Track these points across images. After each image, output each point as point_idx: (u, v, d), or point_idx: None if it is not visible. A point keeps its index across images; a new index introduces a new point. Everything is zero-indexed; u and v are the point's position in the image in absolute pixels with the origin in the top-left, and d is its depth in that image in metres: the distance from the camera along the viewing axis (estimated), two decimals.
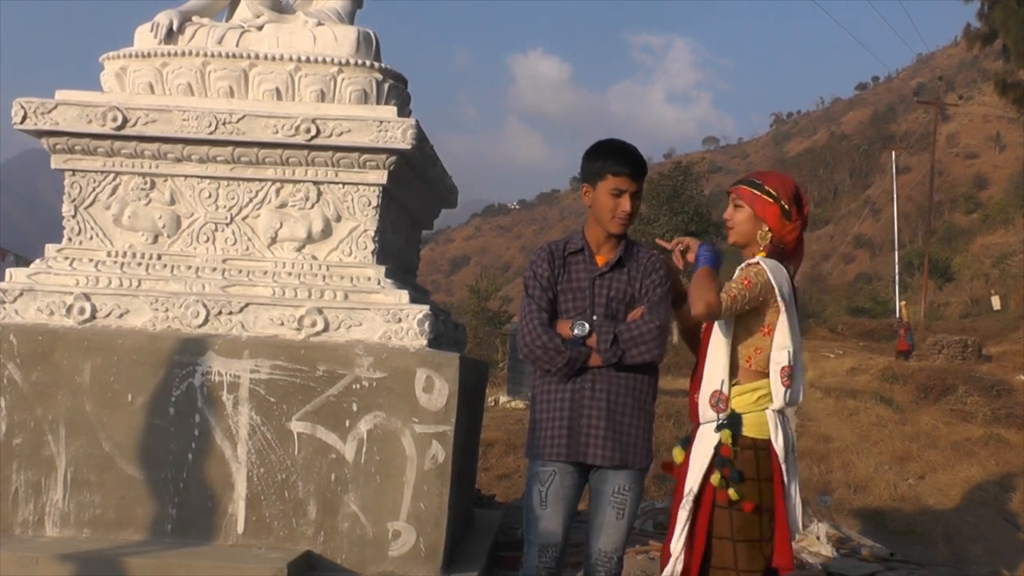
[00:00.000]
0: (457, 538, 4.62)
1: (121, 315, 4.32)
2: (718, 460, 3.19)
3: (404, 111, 4.73)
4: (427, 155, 4.81)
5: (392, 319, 4.26)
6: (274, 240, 4.52)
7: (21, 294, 4.35)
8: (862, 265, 75.98)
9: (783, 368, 3.22)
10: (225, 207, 4.53)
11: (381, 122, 4.35)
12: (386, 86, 4.64)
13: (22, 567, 3.75)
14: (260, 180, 4.51)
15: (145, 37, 4.71)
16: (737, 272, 3.28)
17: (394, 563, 4.07)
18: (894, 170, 47.93)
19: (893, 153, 51.98)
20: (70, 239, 4.55)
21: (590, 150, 3.48)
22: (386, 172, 4.46)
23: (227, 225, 4.53)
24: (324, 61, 4.55)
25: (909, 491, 9.66)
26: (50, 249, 4.54)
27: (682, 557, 3.24)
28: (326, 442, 4.12)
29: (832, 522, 7.09)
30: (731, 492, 3.15)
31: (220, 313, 4.28)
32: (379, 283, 4.40)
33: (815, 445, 11.79)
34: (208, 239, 4.53)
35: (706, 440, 3.24)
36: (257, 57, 4.56)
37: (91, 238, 4.55)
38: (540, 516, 3.36)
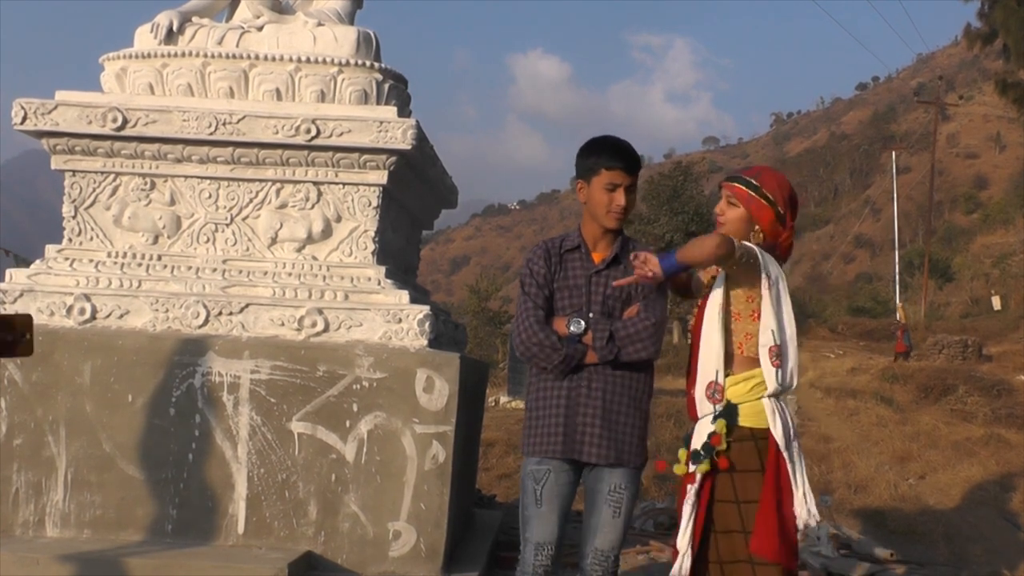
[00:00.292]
0: (457, 538, 4.63)
1: (121, 316, 4.32)
2: (704, 446, 3.17)
3: (404, 111, 4.73)
4: (427, 155, 4.81)
5: (392, 319, 4.27)
6: (274, 240, 4.52)
7: (21, 295, 4.35)
8: (862, 265, 75.96)
9: (770, 348, 3.18)
10: (225, 207, 4.53)
11: (381, 122, 4.36)
12: (386, 86, 4.64)
13: (23, 567, 3.76)
14: (260, 180, 4.52)
15: (145, 38, 4.71)
16: None
17: (394, 563, 4.07)
18: (894, 170, 47.89)
19: (893, 153, 51.94)
20: (70, 240, 4.55)
21: (584, 147, 3.48)
22: (386, 172, 4.47)
23: (227, 225, 4.54)
24: (324, 61, 4.55)
25: (909, 491, 9.65)
26: (50, 250, 4.54)
27: (688, 553, 3.22)
28: (326, 442, 4.12)
29: (833, 522, 7.09)
30: (689, 467, 3.18)
31: (220, 313, 4.29)
32: (379, 283, 4.40)
33: (815, 445, 11.77)
34: (208, 240, 4.53)
35: (703, 433, 3.22)
36: (257, 57, 4.57)
37: (91, 239, 4.55)
38: (535, 514, 3.36)
